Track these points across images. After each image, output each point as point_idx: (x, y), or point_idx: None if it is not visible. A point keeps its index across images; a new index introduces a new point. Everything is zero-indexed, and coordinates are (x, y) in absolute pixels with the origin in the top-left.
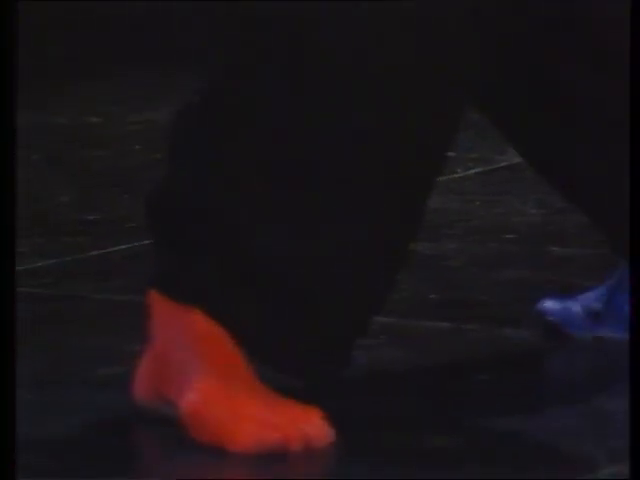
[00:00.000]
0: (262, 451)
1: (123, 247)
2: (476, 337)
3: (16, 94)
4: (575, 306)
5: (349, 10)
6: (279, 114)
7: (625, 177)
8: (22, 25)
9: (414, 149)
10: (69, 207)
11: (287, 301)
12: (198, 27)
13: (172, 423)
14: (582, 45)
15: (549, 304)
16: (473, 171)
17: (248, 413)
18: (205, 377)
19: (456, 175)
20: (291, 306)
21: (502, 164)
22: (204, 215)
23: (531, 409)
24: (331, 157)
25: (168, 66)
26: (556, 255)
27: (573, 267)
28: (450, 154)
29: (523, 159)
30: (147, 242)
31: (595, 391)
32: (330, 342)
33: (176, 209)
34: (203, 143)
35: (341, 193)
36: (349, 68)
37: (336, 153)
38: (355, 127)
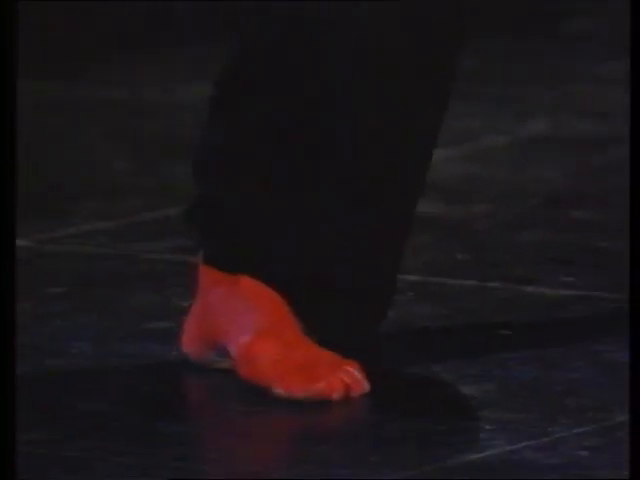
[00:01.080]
0: (306, 398)
1: (173, 210)
2: (500, 294)
3: (15, 93)
4: None
5: (349, 10)
6: (280, 115)
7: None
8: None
9: (414, 149)
10: (123, 174)
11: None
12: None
13: (220, 373)
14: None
15: None
16: (497, 141)
17: (296, 362)
18: (256, 323)
19: (482, 145)
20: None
21: (523, 135)
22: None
23: (550, 361)
24: (331, 157)
25: (215, 44)
26: (574, 218)
27: (590, 230)
28: (475, 125)
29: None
30: None
31: (610, 344)
32: (356, 327)
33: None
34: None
35: (341, 193)
36: (349, 68)
37: (336, 153)
38: (355, 127)
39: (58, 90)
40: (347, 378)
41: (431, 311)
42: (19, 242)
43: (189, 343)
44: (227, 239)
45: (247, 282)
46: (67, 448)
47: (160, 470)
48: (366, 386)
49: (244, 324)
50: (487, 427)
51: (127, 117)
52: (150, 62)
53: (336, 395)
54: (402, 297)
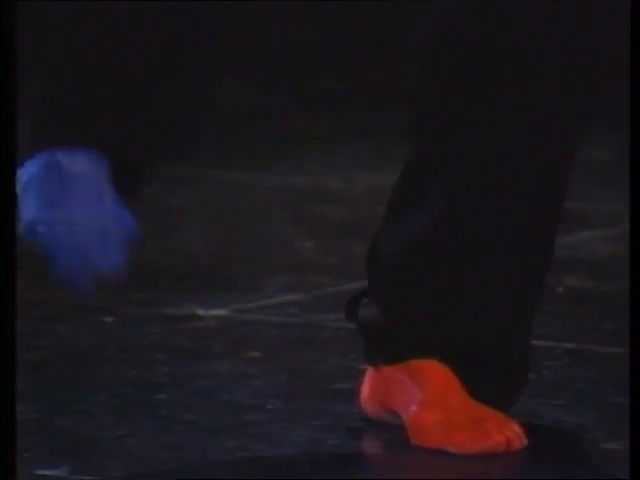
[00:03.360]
0: (475, 453)
1: (354, 285)
2: None
3: (16, 95)
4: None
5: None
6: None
7: None
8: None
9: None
10: (310, 252)
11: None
12: None
13: (395, 428)
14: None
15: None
16: None
17: (461, 423)
18: (422, 395)
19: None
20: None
21: None
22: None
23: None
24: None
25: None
26: None
27: None
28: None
29: None
30: None
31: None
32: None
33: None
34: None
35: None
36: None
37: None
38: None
39: (249, 180)
40: (509, 434)
41: (584, 375)
42: (218, 312)
43: (366, 404)
44: (387, 336)
45: (413, 362)
46: None
47: None
48: (525, 440)
49: (411, 396)
50: None
51: (310, 203)
52: (326, 153)
53: (500, 449)
54: (558, 362)
